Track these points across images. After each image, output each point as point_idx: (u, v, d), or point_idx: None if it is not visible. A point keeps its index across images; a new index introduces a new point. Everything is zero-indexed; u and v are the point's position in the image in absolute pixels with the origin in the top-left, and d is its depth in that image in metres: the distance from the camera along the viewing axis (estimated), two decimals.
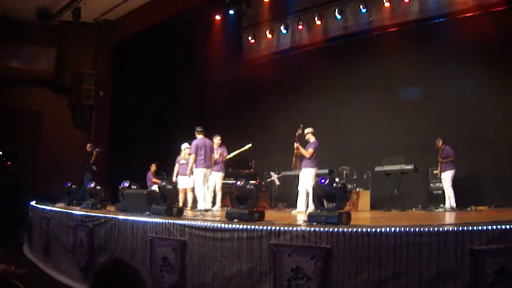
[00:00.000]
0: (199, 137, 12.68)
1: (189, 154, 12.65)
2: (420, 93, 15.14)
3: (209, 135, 13.05)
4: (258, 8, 17.64)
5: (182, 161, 13.52)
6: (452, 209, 12.65)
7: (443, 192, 13.30)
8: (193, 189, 13.19)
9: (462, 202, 12.82)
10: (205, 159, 12.49)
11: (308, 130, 12.37)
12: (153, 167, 16.02)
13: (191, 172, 12.60)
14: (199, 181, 12.43)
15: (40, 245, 12.05)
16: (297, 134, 12.33)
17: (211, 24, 17.87)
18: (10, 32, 17.51)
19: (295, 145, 12.21)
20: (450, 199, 12.88)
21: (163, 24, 17.01)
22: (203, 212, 11.46)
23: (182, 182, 13.39)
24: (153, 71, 18.10)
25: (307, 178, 11.90)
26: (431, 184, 14.08)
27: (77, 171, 16.47)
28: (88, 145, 16.83)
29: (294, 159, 12.49)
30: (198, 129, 12.76)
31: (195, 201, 13.07)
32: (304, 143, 12.32)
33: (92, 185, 11.91)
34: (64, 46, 18.64)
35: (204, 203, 12.37)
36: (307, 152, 12.04)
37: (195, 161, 12.45)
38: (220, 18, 17.72)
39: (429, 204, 13.68)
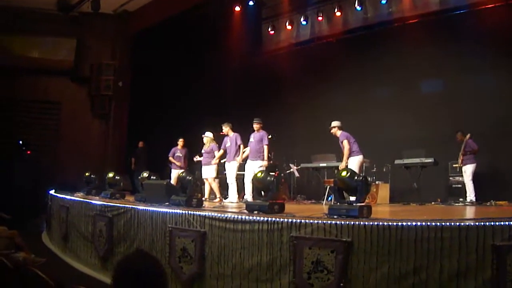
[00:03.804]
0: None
1: (266, 145, 12.57)
2: (440, 85, 15.03)
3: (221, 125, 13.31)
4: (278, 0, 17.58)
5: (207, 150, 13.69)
6: (471, 203, 12.57)
7: (464, 185, 13.22)
8: (214, 179, 13.36)
9: (482, 196, 12.72)
10: None
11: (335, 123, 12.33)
12: (180, 142, 15.39)
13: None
14: None
15: (59, 233, 12.16)
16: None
17: (230, 15, 17.82)
18: (31, 23, 17.66)
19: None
20: (470, 193, 12.81)
21: (183, 14, 17.00)
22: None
23: (205, 172, 13.55)
24: (172, 62, 18.10)
25: None
26: (451, 178, 14.00)
27: (97, 161, 16.75)
28: (141, 142, 17.81)
29: None
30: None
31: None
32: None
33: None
34: (83, 37, 18.71)
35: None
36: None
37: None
38: (239, 9, 17.63)
39: (449, 198, 13.59)
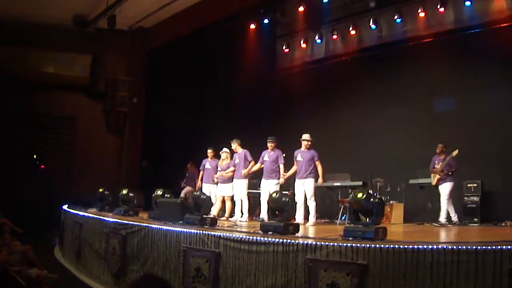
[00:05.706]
0: None
1: (282, 163, 12.51)
2: (454, 104, 14.91)
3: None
4: (293, 18, 17.53)
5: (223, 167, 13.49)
6: (441, 224, 12.29)
7: (478, 205, 13.08)
8: (231, 198, 13.22)
9: (496, 216, 12.72)
10: None
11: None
12: (210, 154, 14.15)
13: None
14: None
15: (71, 249, 12.21)
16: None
17: (245, 32, 17.82)
18: (47, 38, 17.82)
19: None
20: (447, 213, 12.50)
21: (198, 32, 17.07)
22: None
23: (221, 190, 13.31)
24: (187, 79, 18.19)
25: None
26: (465, 198, 13.81)
27: (111, 177, 16.78)
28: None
29: None
30: None
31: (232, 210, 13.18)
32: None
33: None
34: (99, 53, 18.88)
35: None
36: None
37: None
38: (254, 27, 17.61)
39: (463, 218, 13.45)
